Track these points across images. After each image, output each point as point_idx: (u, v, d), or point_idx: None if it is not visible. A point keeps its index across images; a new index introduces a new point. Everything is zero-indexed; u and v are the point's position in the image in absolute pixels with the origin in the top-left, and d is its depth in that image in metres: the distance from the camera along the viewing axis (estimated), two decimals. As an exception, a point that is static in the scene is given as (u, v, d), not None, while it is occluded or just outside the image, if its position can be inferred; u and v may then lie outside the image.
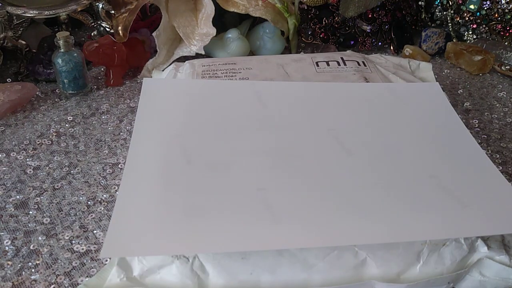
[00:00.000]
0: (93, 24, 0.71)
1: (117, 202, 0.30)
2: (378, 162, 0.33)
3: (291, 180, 0.31)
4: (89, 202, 0.42)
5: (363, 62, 0.46)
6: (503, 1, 0.67)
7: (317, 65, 0.46)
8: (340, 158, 0.33)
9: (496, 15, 0.68)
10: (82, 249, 0.37)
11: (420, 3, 0.74)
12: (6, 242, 0.38)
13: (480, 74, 0.65)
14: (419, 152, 0.34)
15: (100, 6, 0.68)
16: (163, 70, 0.51)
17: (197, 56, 0.62)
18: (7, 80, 0.64)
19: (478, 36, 0.71)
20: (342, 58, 0.47)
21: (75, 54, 0.59)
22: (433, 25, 0.74)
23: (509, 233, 0.30)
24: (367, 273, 0.30)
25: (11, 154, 0.50)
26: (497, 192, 0.31)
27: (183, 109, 0.36)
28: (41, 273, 0.35)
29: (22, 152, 0.50)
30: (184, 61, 0.50)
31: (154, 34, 0.64)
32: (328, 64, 0.46)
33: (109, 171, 0.46)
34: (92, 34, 0.71)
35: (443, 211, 0.29)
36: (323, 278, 0.29)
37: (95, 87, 0.63)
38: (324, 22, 0.69)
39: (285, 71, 0.45)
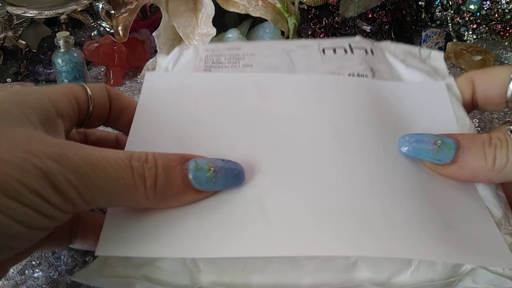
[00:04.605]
0: (93, 24, 0.71)
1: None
2: (375, 166, 0.32)
3: (287, 181, 0.31)
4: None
5: (371, 50, 0.44)
6: (503, 1, 0.67)
7: (324, 53, 0.44)
8: (338, 156, 0.32)
9: (496, 15, 0.68)
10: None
11: (420, 3, 0.74)
12: (8, 241, 0.38)
13: (480, 74, 0.65)
14: (412, 163, 0.33)
15: (100, 6, 0.68)
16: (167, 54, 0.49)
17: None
18: (7, 80, 0.64)
19: (478, 36, 0.71)
20: (350, 45, 0.45)
21: (75, 54, 0.59)
22: (433, 25, 0.75)
23: (489, 266, 0.29)
24: (357, 275, 0.29)
25: (12, 154, 0.49)
26: (479, 227, 0.31)
27: (183, 105, 0.35)
28: (43, 271, 0.35)
29: (23, 152, 0.50)
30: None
31: (154, 34, 0.64)
32: (334, 52, 0.44)
33: (110, 170, 0.46)
34: (92, 34, 0.71)
35: (427, 228, 0.29)
36: (313, 279, 0.29)
37: (95, 87, 0.63)
38: (324, 22, 0.70)
39: (291, 58, 0.43)
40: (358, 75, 0.41)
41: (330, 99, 0.37)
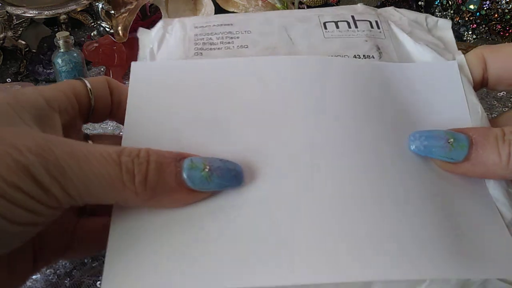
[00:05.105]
0: (93, 24, 0.71)
1: (111, 227, 0.28)
2: (386, 170, 0.30)
3: (296, 190, 0.29)
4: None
5: (376, 23, 0.40)
6: (503, 1, 0.67)
7: (325, 27, 0.40)
8: (350, 160, 0.31)
9: (496, 15, 0.68)
10: (83, 249, 0.37)
11: (420, 3, 0.74)
12: (7, 242, 0.38)
13: (480, 74, 0.65)
14: (422, 161, 0.31)
15: (100, 6, 0.68)
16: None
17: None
18: (7, 80, 0.64)
19: (478, 36, 0.71)
20: (353, 17, 0.40)
21: (75, 54, 0.59)
22: (432, 25, 0.75)
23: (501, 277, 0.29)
24: None
25: (11, 154, 0.49)
26: (491, 234, 0.30)
27: (177, 99, 0.32)
28: (42, 272, 0.35)
29: (22, 152, 0.50)
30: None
31: (154, 34, 0.64)
32: (337, 26, 0.40)
33: (109, 171, 0.46)
34: (92, 34, 0.71)
35: (440, 241, 0.28)
36: None
37: (95, 87, 0.63)
38: (324, 22, 0.69)
39: (289, 36, 0.39)
40: (364, 56, 0.38)
41: (337, 87, 0.34)
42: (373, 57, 0.38)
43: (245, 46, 0.38)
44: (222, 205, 0.29)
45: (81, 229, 0.32)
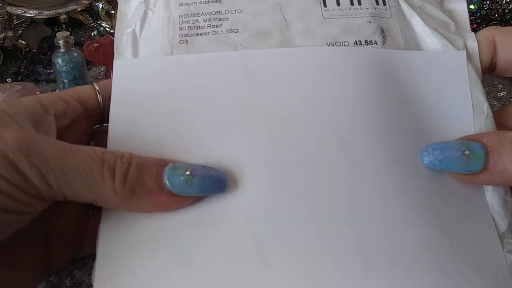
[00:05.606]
0: (93, 24, 0.71)
1: (100, 236, 0.28)
2: (383, 181, 0.29)
3: (286, 207, 0.28)
4: (90, 202, 0.42)
5: None
6: (503, 1, 0.67)
7: (325, 5, 0.36)
8: (342, 172, 0.29)
9: (496, 15, 0.68)
10: (84, 249, 0.37)
11: (420, 3, 0.74)
12: (7, 242, 0.38)
13: (480, 74, 0.65)
14: (421, 170, 0.30)
15: (100, 6, 0.68)
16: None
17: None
18: (7, 80, 0.64)
19: (478, 36, 0.71)
20: None
21: (75, 54, 0.59)
22: (433, 25, 0.75)
23: None
24: None
25: (12, 154, 0.49)
26: (484, 250, 0.29)
27: (161, 102, 0.30)
28: (42, 273, 0.35)
29: (23, 152, 0.50)
30: None
31: (154, 34, 0.64)
32: (338, 3, 0.36)
33: (110, 171, 0.46)
34: (92, 34, 0.71)
35: (434, 261, 0.27)
36: None
37: (95, 87, 0.63)
38: (324, 22, 0.69)
39: (284, 16, 0.36)
40: (366, 42, 0.35)
41: (334, 86, 0.32)
42: (376, 43, 0.35)
43: (235, 31, 0.35)
44: (207, 219, 0.28)
45: (92, 225, 0.32)
